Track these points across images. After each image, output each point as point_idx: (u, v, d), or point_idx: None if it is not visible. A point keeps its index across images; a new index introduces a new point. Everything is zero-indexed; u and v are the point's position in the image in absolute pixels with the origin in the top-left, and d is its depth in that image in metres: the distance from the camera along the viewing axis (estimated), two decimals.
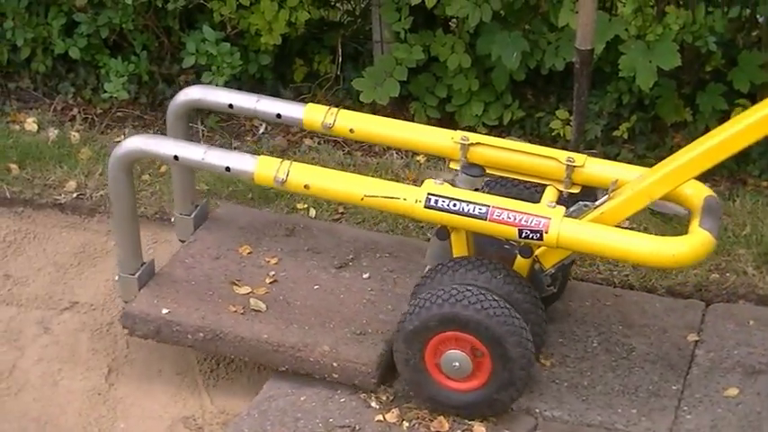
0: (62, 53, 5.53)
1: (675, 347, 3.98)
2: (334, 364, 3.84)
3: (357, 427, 3.75)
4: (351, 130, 4.00)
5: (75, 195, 4.99)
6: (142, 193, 4.96)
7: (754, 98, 4.83)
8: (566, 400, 3.79)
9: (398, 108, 5.33)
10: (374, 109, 5.20)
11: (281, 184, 3.70)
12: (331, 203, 4.78)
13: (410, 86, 5.27)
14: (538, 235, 3.48)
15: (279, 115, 4.05)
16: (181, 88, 5.47)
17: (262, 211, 4.71)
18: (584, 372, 3.90)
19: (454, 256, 3.78)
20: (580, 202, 3.64)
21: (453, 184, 3.68)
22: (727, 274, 4.31)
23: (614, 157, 4.89)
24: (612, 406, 3.76)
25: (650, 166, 3.78)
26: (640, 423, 3.70)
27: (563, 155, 3.75)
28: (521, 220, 3.49)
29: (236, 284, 4.15)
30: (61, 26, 5.48)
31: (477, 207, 3.53)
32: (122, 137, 5.34)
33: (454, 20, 5.22)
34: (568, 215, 3.54)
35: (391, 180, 4.42)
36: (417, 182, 4.85)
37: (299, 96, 5.48)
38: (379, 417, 3.78)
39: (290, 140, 5.34)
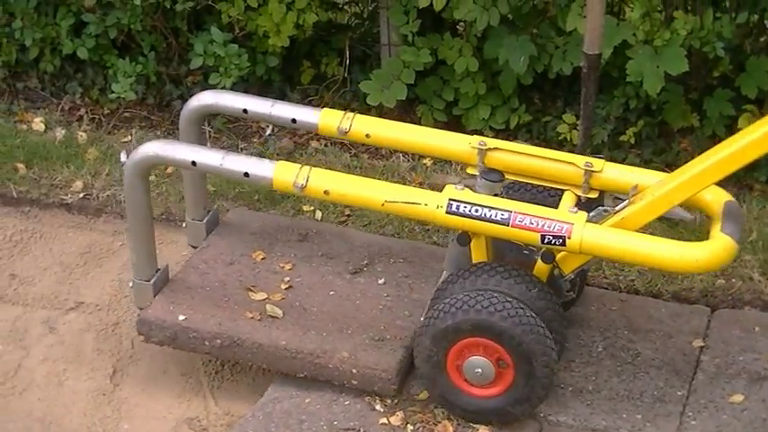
0: (70, 53, 5.54)
1: (681, 353, 3.98)
2: (354, 371, 3.82)
3: (362, 430, 3.75)
4: (367, 135, 3.97)
5: (81, 195, 5.00)
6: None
7: (761, 104, 4.84)
8: (570, 404, 3.79)
9: (405, 111, 5.33)
10: (381, 112, 5.20)
11: (301, 190, 3.67)
12: (337, 206, 4.77)
13: (417, 89, 5.27)
14: (561, 240, 3.46)
15: (294, 120, 4.01)
16: (188, 89, 5.53)
17: (273, 215, 4.70)
18: (589, 376, 3.89)
19: (473, 261, 3.76)
20: (600, 207, 3.64)
21: (473, 190, 3.66)
22: (733, 280, 4.31)
23: (621, 162, 4.87)
24: (617, 411, 3.76)
25: (657, 171, 3.77)
26: (645, 428, 3.70)
27: (581, 159, 3.74)
28: (543, 225, 3.47)
29: (252, 290, 4.13)
30: (69, 26, 5.49)
31: (500, 212, 3.51)
32: (129, 137, 5.35)
33: (462, 23, 5.22)
34: (589, 220, 3.53)
35: (398, 183, 4.44)
36: (424, 185, 4.85)
37: (307, 98, 5.48)
38: (384, 420, 3.78)
39: (296, 142, 5.34)
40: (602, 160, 3.75)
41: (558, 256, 3.67)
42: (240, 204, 4.83)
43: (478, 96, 5.18)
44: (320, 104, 5.41)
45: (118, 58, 5.50)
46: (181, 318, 3.99)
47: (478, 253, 3.75)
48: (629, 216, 3.58)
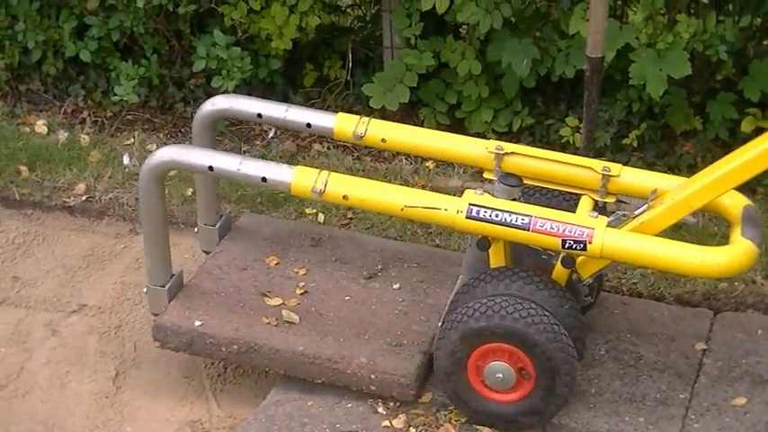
0: (73, 56, 5.54)
1: (683, 356, 3.98)
2: (372, 377, 3.81)
3: None
4: (383, 140, 3.96)
5: (84, 198, 5.00)
6: None
7: (764, 107, 4.84)
8: (573, 407, 3.78)
9: (408, 114, 5.33)
10: (384, 115, 5.20)
11: (319, 195, 3.66)
12: (340, 208, 4.78)
13: (420, 92, 5.27)
14: (582, 245, 3.46)
15: (309, 125, 4.00)
16: (191, 92, 5.53)
17: (285, 220, 4.69)
18: (592, 379, 3.89)
19: (492, 266, 3.75)
20: (618, 212, 3.62)
21: (491, 194, 3.65)
22: (736, 283, 4.30)
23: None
24: (620, 414, 3.76)
25: (674, 175, 3.76)
26: (648, 431, 3.69)
27: (599, 164, 3.73)
28: (564, 230, 3.46)
29: (267, 296, 4.12)
30: (72, 29, 5.49)
31: (520, 217, 3.51)
32: (132, 140, 5.35)
33: (465, 26, 5.23)
34: (609, 225, 3.51)
35: (401, 185, 4.44)
36: (426, 187, 4.85)
37: (309, 101, 5.48)
38: (386, 422, 3.78)
39: (299, 145, 5.34)
40: (620, 165, 3.75)
41: (577, 260, 3.66)
42: (243, 207, 4.83)
43: (481, 99, 5.18)
44: (323, 107, 5.41)
45: (120, 61, 5.50)
46: (197, 323, 3.97)
47: (497, 258, 3.73)
48: (648, 220, 3.57)
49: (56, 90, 5.75)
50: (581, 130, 4.69)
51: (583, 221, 3.49)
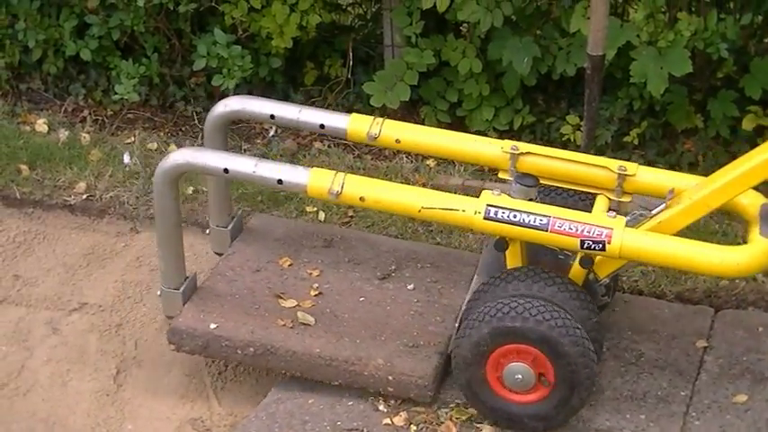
0: (73, 55, 5.53)
1: (684, 353, 3.98)
2: (390, 378, 3.80)
3: (365, 431, 3.75)
4: (397, 141, 3.95)
5: (84, 197, 5.00)
6: (151, 194, 4.94)
7: (766, 105, 4.84)
8: None
9: (409, 112, 5.33)
10: (384, 113, 5.20)
11: (336, 197, 3.65)
12: (340, 207, 4.77)
13: (421, 91, 5.27)
14: (600, 246, 3.45)
15: (322, 126, 3.99)
16: (192, 91, 5.53)
17: (296, 221, 4.68)
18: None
19: (508, 267, 3.74)
20: (635, 211, 3.62)
21: (509, 195, 3.64)
22: (737, 281, 4.30)
23: None
24: (621, 411, 3.76)
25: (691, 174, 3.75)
26: (649, 429, 3.69)
27: (614, 163, 3.72)
28: (582, 230, 3.46)
29: (281, 297, 4.11)
30: (73, 28, 5.49)
31: (538, 218, 3.50)
32: (133, 139, 5.35)
33: (465, 24, 5.22)
34: (627, 225, 3.50)
35: (401, 183, 4.43)
36: (427, 185, 4.85)
37: (310, 100, 5.48)
38: (387, 420, 3.78)
39: (299, 143, 5.34)
40: (636, 164, 3.74)
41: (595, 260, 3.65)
42: (243, 206, 4.83)
43: (482, 97, 5.17)
44: (323, 106, 5.41)
45: (121, 60, 5.50)
46: (212, 326, 3.96)
47: (513, 258, 3.72)
48: (666, 220, 3.56)
49: (56, 89, 5.75)
50: (582, 129, 4.69)
51: (602, 222, 3.48)
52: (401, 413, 3.80)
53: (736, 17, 4.76)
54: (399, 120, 4.68)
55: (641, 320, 4.12)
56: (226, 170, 3.75)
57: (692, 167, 4.85)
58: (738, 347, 3.99)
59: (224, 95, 5.44)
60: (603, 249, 3.46)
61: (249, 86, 5.47)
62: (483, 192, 3.60)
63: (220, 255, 4.37)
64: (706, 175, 3.70)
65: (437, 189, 4.30)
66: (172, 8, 5.31)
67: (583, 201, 3.81)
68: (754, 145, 4.82)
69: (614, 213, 3.53)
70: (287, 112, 4.03)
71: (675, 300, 4.28)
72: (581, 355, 3.53)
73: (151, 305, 4.47)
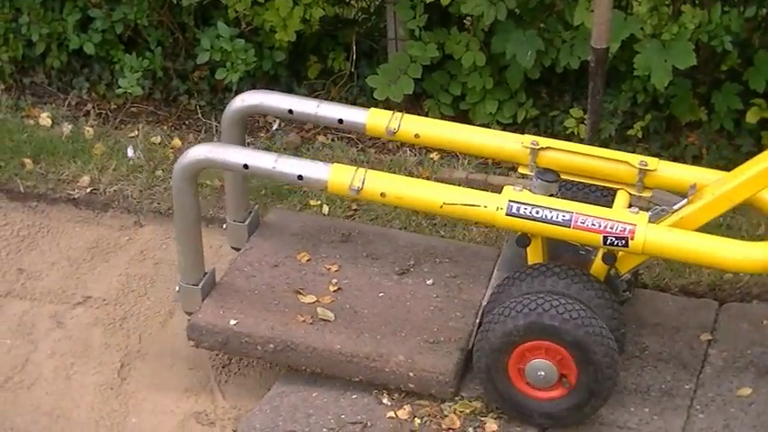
0: (77, 49, 5.54)
1: (688, 347, 3.97)
2: (411, 374, 3.79)
3: (369, 424, 3.74)
4: (416, 135, 3.93)
5: (88, 190, 5.00)
6: (155, 188, 4.97)
7: None
8: None
9: (412, 106, 5.32)
10: (388, 106, 5.19)
11: (357, 193, 3.63)
12: (344, 200, 4.77)
13: (424, 84, 5.27)
14: (623, 242, 3.43)
15: (341, 120, 3.97)
16: (195, 84, 5.53)
17: (312, 216, 4.68)
18: None
19: (530, 262, 3.73)
20: (657, 207, 3.61)
21: (530, 190, 3.62)
22: (741, 274, 4.29)
23: None
24: (625, 405, 3.75)
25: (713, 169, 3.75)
26: (653, 422, 3.69)
27: (635, 158, 3.71)
28: (605, 226, 3.44)
29: (301, 293, 4.09)
30: (76, 22, 5.49)
31: (561, 214, 3.48)
32: (136, 132, 5.36)
33: (469, 18, 5.21)
34: (649, 221, 3.49)
35: (406, 176, 4.42)
36: (431, 178, 4.85)
37: (314, 93, 5.48)
38: (391, 413, 3.78)
39: (303, 137, 5.34)
40: (657, 159, 3.73)
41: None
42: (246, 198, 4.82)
43: (486, 91, 5.17)
44: (327, 99, 5.39)
45: (124, 54, 5.50)
46: (232, 322, 3.95)
47: (535, 254, 3.72)
48: (688, 215, 3.56)
49: (60, 83, 5.75)
50: (585, 122, 4.69)
51: (624, 217, 3.46)
52: (405, 406, 3.80)
53: (740, 10, 4.76)
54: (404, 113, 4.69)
55: (645, 314, 4.11)
56: (245, 166, 3.74)
57: (696, 160, 4.85)
58: (743, 341, 3.99)
59: (227, 89, 5.47)
60: (626, 245, 3.44)
61: (253, 80, 5.47)
62: (504, 187, 3.58)
63: (237, 250, 4.35)
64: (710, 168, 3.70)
65: (441, 182, 4.31)
66: (175, 2, 5.32)
67: (604, 196, 3.80)
68: (758, 138, 4.84)
69: (637, 209, 3.51)
70: (305, 106, 4.02)
71: (679, 293, 4.27)
72: (608, 366, 3.54)
73: (155, 299, 4.47)
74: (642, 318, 4.09)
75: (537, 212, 3.50)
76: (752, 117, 4.83)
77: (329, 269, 4.22)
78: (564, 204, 3.52)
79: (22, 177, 5.06)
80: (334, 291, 4.11)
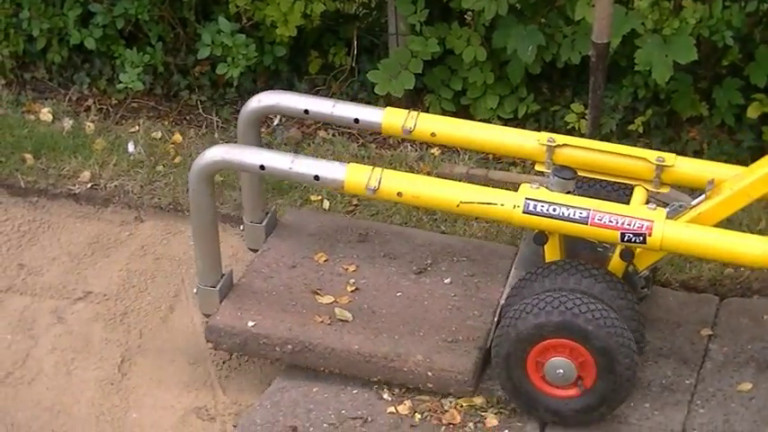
0: (78, 44, 5.53)
1: (689, 342, 3.97)
2: (429, 374, 3.79)
3: (369, 419, 3.75)
4: (432, 134, 3.93)
5: (89, 186, 5.00)
6: (156, 184, 4.97)
7: None
8: None
9: (413, 101, 5.31)
10: (389, 101, 5.19)
11: (373, 192, 3.63)
12: (345, 196, 4.77)
13: (425, 79, 5.26)
14: (641, 238, 3.43)
15: (356, 120, 3.98)
16: (196, 79, 5.53)
17: (329, 216, 4.67)
18: None
19: (547, 260, 3.73)
20: (674, 203, 3.61)
21: (547, 187, 3.62)
22: (742, 269, 4.29)
23: None
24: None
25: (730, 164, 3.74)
26: (653, 417, 3.69)
27: (652, 154, 3.70)
28: (623, 223, 3.44)
29: (318, 294, 4.10)
30: (77, 17, 5.48)
31: (578, 211, 3.48)
32: (137, 128, 5.35)
33: (470, 13, 5.20)
34: (667, 217, 3.48)
35: (406, 172, 4.42)
36: (432, 174, 4.84)
37: (314, 88, 5.47)
38: (392, 409, 3.78)
39: (304, 132, 5.34)
40: (674, 155, 3.72)
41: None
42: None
43: (486, 86, 5.16)
44: (328, 95, 5.40)
45: (125, 49, 5.49)
46: (250, 324, 3.95)
47: (552, 251, 3.71)
48: (706, 211, 3.56)
49: (60, 78, 5.75)
50: (587, 117, 4.68)
51: (642, 214, 3.46)
52: (405, 401, 3.80)
53: (741, 4, 4.75)
54: (404, 108, 4.69)
55: (646, 308, 4.10)
56: (262, 167, 3.74)
57: (697, 155, 4.84)
58: (743, 336, 3.99)
59: (228, 84, 5.47)
60: (644, 242, 3.43)
61: (254, 75, 5.47)
62: (521, 185, 3.58)
63: (255, 251, 4.35)
64: None
65: (441, 177, 4.30)
66: None
67: (620, 192, 3.79)
68: (759, 133, 4.84)
69: (654, 205, 3.51)
70: (321, 106, 4.03)
71: (680, 288, 4.27)
72: (627, 378, 3.55)
73: (156, 294, 4.47)
74: (643, 312, 4.08)
75: (554, 210, 3.50)
76: (753, 112, 4.82)
77: (347, 269, 4.22)
78: (581, 201, 3.52)
79: (22, 173, 5.06)
80: (352, 291, 4.11)
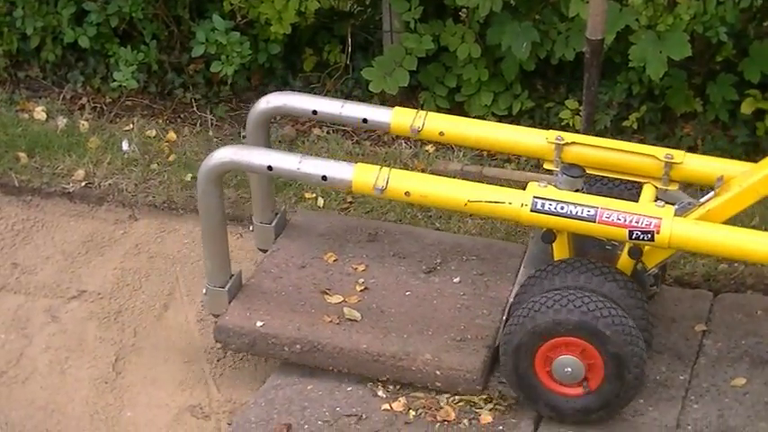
0: (72, 42, 5.53)
1: (683, 337, 3.97)
2: (438, 373, 3.79)
3: (364, 416, 3.75)
4: (441, 133, 3.93)
5: (83, 184, 4.99)
6: (150, 182, 4.96)
7: (764, 88, 4.82)
8: None
9: (408, 98, 5.31)
10: (383, 99, 5.19)
11: (381, 192, 3.63)
12: (339, 193, 4.77)
13: (420, 76, 5.26)
14: (649, 236, 3.42)
15: (365, 120, 3.98)
16: (190, 77, 5.52)
17: (339, 216, 4.67)
18: None
19: (555, 258, 3.72)
20: (683, 200, 3.60)
21: (555, 186, 3.61)
22: (736, 264, 4.29)
23: None
24: None
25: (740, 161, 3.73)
26: (648, 413, 3.69)
27: (661, 152, 3.70)
28: (631, 221, 3.43)
29: (327, 293, 4.09)
30: (71, 15, 5.48)
31: (586, 209, 3.47)
32: (131, 126, 5.35)
33: (464, 9, 5.20)
34: (676, 214, 3.47)
35: (401, 169, 4.41)
36: (426, 171, 4.84)
37: (309, 86, 5.47)
38: (386, 406, 3.78)
39: (298, 130, 5.33)
40: (683, 152, 3.72)
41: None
42: (242, 192, 4.83)
43: (481, 83, 5.16)
44: (322, 92, 5.40)
45: (119, 47, 5.49)
46: (259, 324, 3.95)
47: (561, 250, 3.71)
48: (715, 208, 3.55)
49: (55, 76, 5.74)
50: (581, 113, 4.68)
51: (650, 211, 3.45)
52: (400, 398, 3.80)
53: (735, 0, 4.74)
54: (398, 105, 4.68)
55: None
56: (270, 167, 3.75)
57: (692, 151, 4.81)
58: (737, 331, 3.99)
59: (222, 82, 5.46)
60: (652, 240, 3.43)
61: (248, 73, 5.47)
62: (529, 183, 3.58)
63: (264, 251, 4.35)
64: None
65: (436, 174, 4.30)
66: None
67: (629, 190, 3.78)
68: (752, 129, 4.84)
69: (663, 202, 3.50)
70: (329, 107, 4.03)
71: (674, 283, 4.27)
72: (633, 387, 3.55)
73: (150, 292, 4.47)
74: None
75: (562, 208, 3.49)
76: (747, 108, 4.82)
77: (356, 269, 4.22)
78: (589, 199, 3.51)
79: (16, 171, 5.05)
80: (361, 290, 4.11)
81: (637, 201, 3.61)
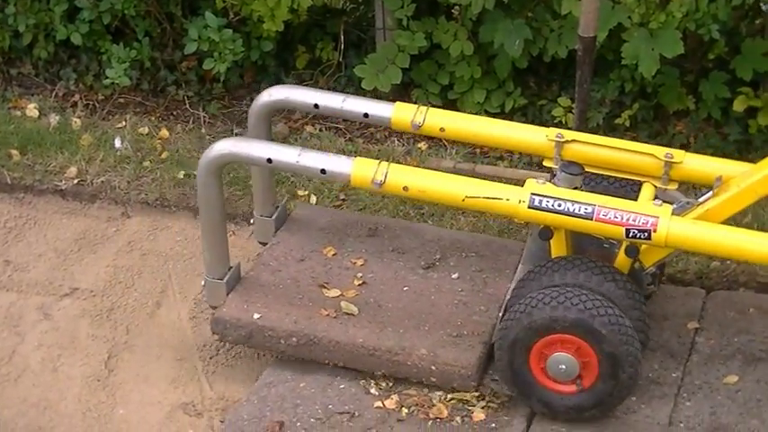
0: (64, 39, 5.52)
1: (675, 335, 3.98)
2: (433, 368, 3.79)
3: (356, 414, 3.75)
4: (441, 129, 3.93)
5: (75, 181, 4.99)
6: (143, 179, 4.96)
7: (756, 86, 4.83)
8: None
9: (400, 95, 5.30)
10: (376, 96, 5.19)
11: (379, 186, 3.63)
12: (332, 190, 4.77)
13: (412, 73, 5.26)
14: (646, 234, 3.41)
15: (366, 115, 3.98)
16: (183, 75, 5.51)
17: (340, 210, 4.67)
18: None
19: (553, 256, 3.72)
20: (682, 200, 3.60)
21: (553, 183, 3.61)
22: (728, 262, 4.29)
23: None
24: None
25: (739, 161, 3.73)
26: (640, 410, 3.70)
27: (661, 151, 3.69)
28: (628, 219, 3.43)
29: (325, 287, 4.09)
30: (63, 12, 5.47)
31: (583, 207, 3.47)
32: (124, 123, 5.34)
33: (457, 7, 5.20)
34: (673, 213, 3.47)
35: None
36: (419, 167, 4.83)
37: (302, 83, 5.46)
38: (379, 403, 3.78)
39: (291, 127, 5.33)
40: (683, 151, 3.72)
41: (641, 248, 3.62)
42: (235, 189, 4.82)
43: (473, 80, 5.16)
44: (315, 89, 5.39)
45: (112, 44, 5.48)
46: (256, 316, 3.95)
47: (558, 247, 3.71)
48: (713, 208, 3.55)
49: (47, 74, 5.73)
50: (573, 111, 4.68)
51: (647, 210, 3.45)
52: (392, 396, 3.80)
53: None
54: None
55: None
56: (269, 160, 3.75)
57: (684, 149, 4.82)
58: (729, 329, 3.99)
59: (215, 79, 5.46)
60: (649, 238, 3.42)
61: (240, 70, 5.47)
62: (527, 180, 3.58)
63: (264, 244, 4.35)
64: None
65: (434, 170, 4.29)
66: None
67: (628, 188, 3.79)
68: (745, 126, 4.84)
69: (660, 201, 3.50)
70: (331, 101, 4.03)
71: (667, 281, 4.27)
72: (627, 387, 3.55)
73: (142, 290, 4.47)
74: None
75: (559, 205, 3.49)
76: (739, 105, 4.83)
77: (355, 263, 4.22)
78: (586, 197, 3.51)
79: (8, 169, 5.05)
80: (359, 285, 4.11)
81: (636, 200, 3.62)
